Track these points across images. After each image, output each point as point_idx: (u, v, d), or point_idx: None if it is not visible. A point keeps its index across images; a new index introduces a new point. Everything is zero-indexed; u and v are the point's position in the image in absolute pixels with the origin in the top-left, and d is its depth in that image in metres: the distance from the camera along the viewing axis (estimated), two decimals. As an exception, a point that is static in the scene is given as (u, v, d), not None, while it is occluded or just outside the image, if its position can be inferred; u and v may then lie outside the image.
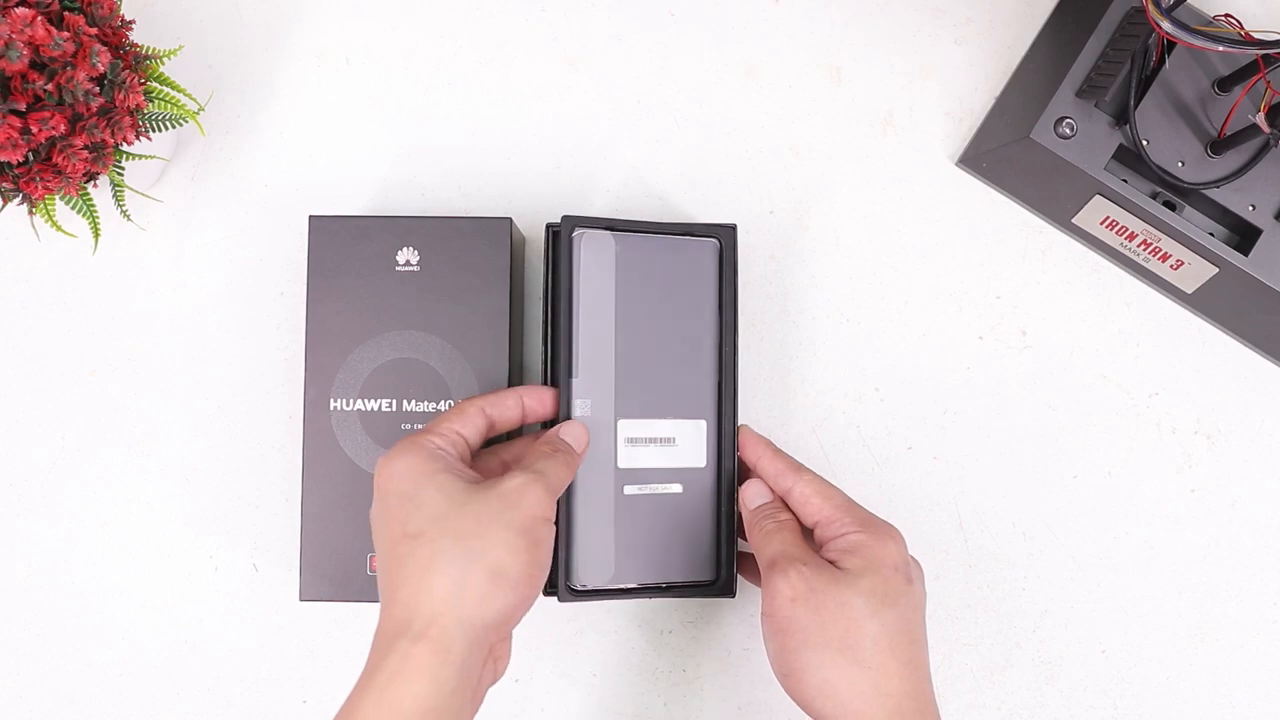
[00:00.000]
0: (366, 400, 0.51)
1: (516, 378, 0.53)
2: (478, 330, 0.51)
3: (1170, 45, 0.52)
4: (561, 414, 0.48)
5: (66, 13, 0.46)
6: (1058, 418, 0.56)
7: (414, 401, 0.51)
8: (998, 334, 0.57)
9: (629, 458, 0.49)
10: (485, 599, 0.40)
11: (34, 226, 0.52)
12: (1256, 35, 0.47)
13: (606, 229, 0.50)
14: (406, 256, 0.52)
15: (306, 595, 0.51)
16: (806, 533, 0.48)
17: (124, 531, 0.56)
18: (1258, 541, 0.56)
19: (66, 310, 0.57)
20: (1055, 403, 0.56)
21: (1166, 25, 0.46)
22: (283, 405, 0.56)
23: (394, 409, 0.51)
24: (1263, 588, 0.56)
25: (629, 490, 0.49)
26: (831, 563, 0.45)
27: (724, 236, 0.51)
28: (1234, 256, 0.52)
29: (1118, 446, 0.56)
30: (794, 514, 0.49)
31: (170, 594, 0.56)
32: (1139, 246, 0.55)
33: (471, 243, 0.52)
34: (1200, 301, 0.56)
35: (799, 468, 0.49)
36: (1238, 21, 0.52)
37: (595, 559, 0.49)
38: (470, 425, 0.46)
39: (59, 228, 0.50)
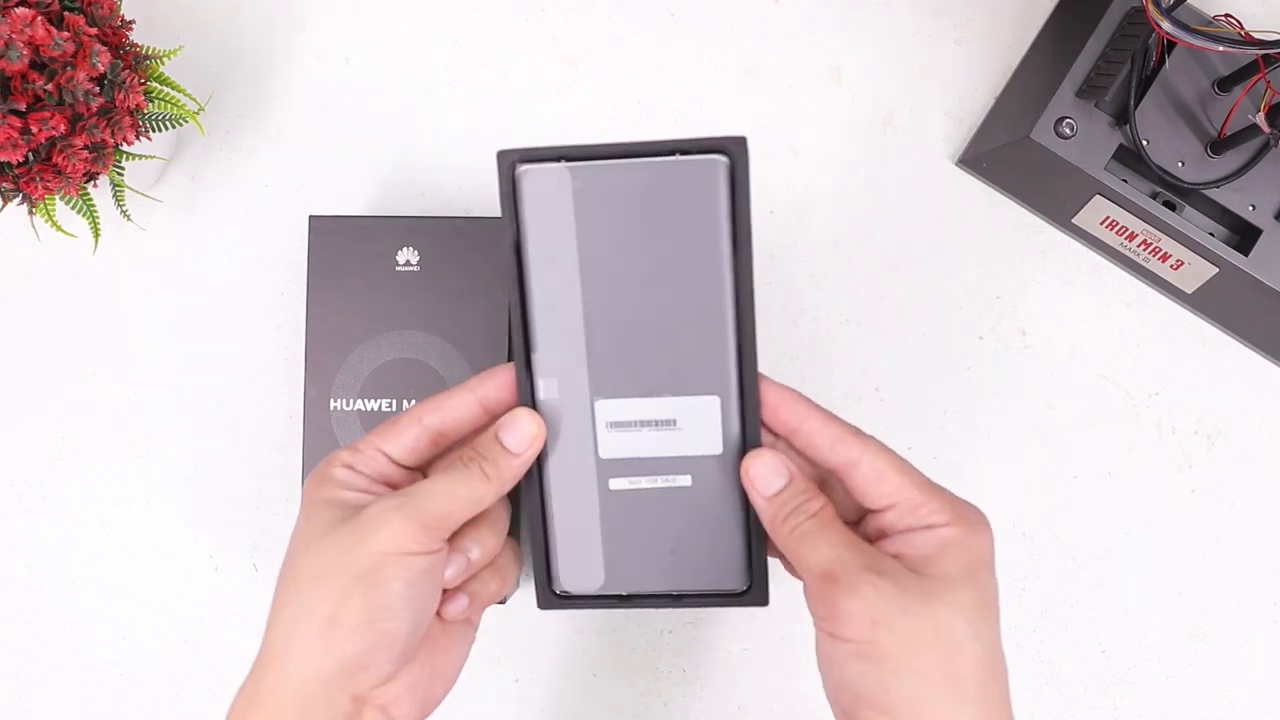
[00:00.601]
0: (366, 400, 0.51)
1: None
2: (478, 330, 0.51)
3: (1170, 45, 0.52)
4: (521, 401, 0.40)
5: (66, 13, 0.46)
6: (1058, 418, 0.56)
7: (414, 401, 0.51)
8: (998, 334, 0.57)
9: (614, 446, 0.40)
10: (317, 651, 0.36)
11: (34, 226, 0.52)
12: (1256, 35, 0.47)
13: (561, 160, 0.38)
14: (406, 256, 0.52)
15: (306, 595, 0.51)
16: (844, 511, 0.39)
17: (124, 531, 0.56)
18: (1258, 541, 0.56)
19: (66, 310, 0.57)
20: (1055, 403, 0.56)
21: (1166, 25, 0.46)
22: (283, 405, 0.56)
23: (394, 409, 0.51)
24: (1263, 588, 0.56)
25: (616, 485, 0.41)
26: (898, 558, 0.37)
27: (733, 150, 0.38)
28: (1234, 256, 0.52)
29: (1118, 446, 0.56)
30: (845, 494, 0.39)
31: (170, 594, 0.56)
32: (1139, 246, 0.55)
33: (471, 243, 0.52)
34: (1200, 301, 0.56)
35: (861, 434, 0.38)
36: (1238, 21, 0.52)
37: (579, 563, 0.41)
38: (397, 441, 0.40)
39: (59, 228, 0.50)
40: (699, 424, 0.40)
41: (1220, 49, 0.45)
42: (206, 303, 0.57)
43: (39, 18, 0.44)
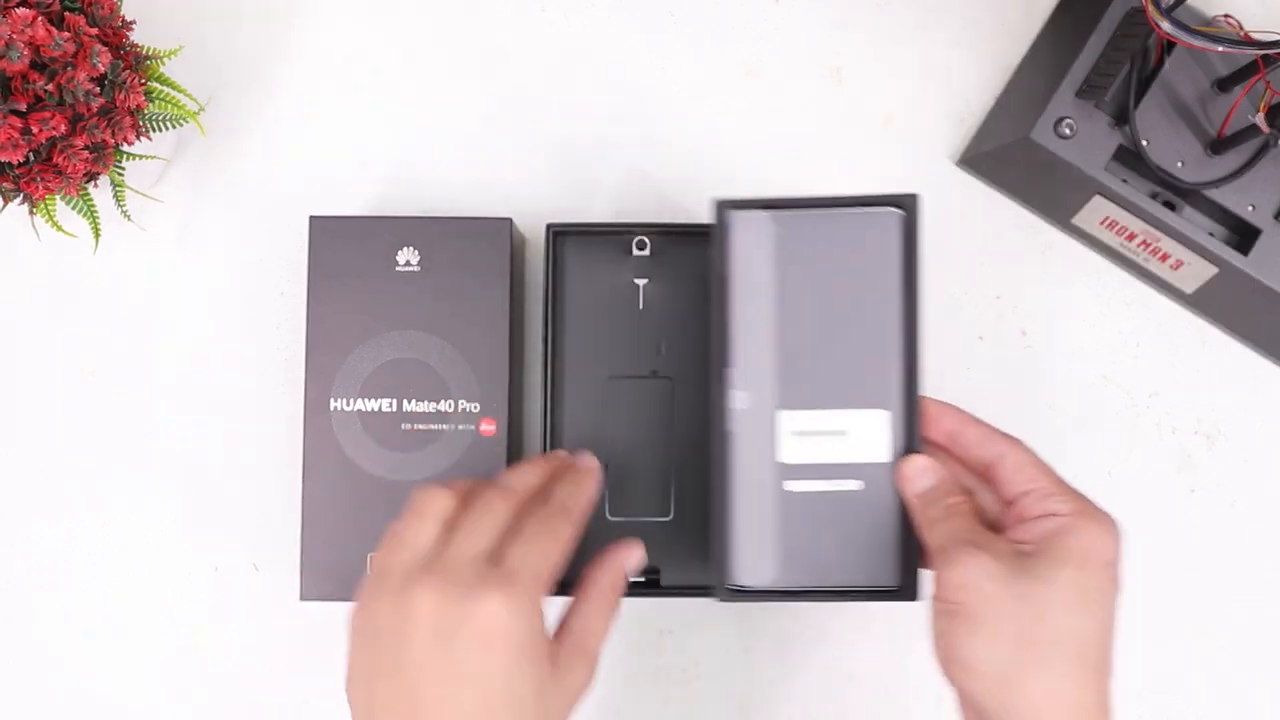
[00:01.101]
0: (366, 400, 0.51)
1: (517, 377, 0.53)
2: (478, 330, 0.51)
3: (1170, 45, 0.52)
4: (717, 403, 0.46)
5: (67, 13, 0.46)
6: (1058, 418, 0.56)
7: (414, 401, 0.51)
8: (998, 334, 0.57)
9: (793, 452, 0.46)
10: None
11: (34, 226, 0.52)
12: (1256, 35, 0.47)
13: (764, 208, 0.46)
14: (406, 256, 0.52)
15: (306, 595, 0.51)
16: (991, 515, 0.44)
17: (124, 531, 0.56)
18: (1258, 541, 0.56)
19: (66, 310, 0.57)
20: (1055, 403, 0.56)
21: (1166, 25, 0.46)
22: (283, 405, 0.56)
23: (394, 409, 0.51)
24: (1263, 588, 0.56)
25: (792, 486, 0.46)
26: (1020, 545, 0.40)
27: (907, 205, 0.46)
28: (1234, 256, 0.52)
29: (1118, 446, 0.56)
30: (993, 491, 0.43)
31: (170, 594, 0.56)
32: (1139, 246, 0.55)
33: (471, 243, 0.52)
34: (1200, 301, 0.56)
35: (1009, 435, 0.43)
36: (1237, 22, 0.52)
37: (755, 558, 0.46)
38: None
39: (59, 228, 0.50)
40: (870, 435, 0.45)
41: (1220, 49, 0.46)
42: (207, 303, 0.57)
43: (39, 18, 0.44)
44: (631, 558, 0.46)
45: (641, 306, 0.53)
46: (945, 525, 0.41)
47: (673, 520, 0.52)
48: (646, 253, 0.53)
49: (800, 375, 0.46)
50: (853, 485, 0.46)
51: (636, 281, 0.53)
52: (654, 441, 0.52)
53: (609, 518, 0.52)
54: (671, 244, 0.53)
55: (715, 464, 0.46)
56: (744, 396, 0.46)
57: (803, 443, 0.46)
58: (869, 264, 0.46)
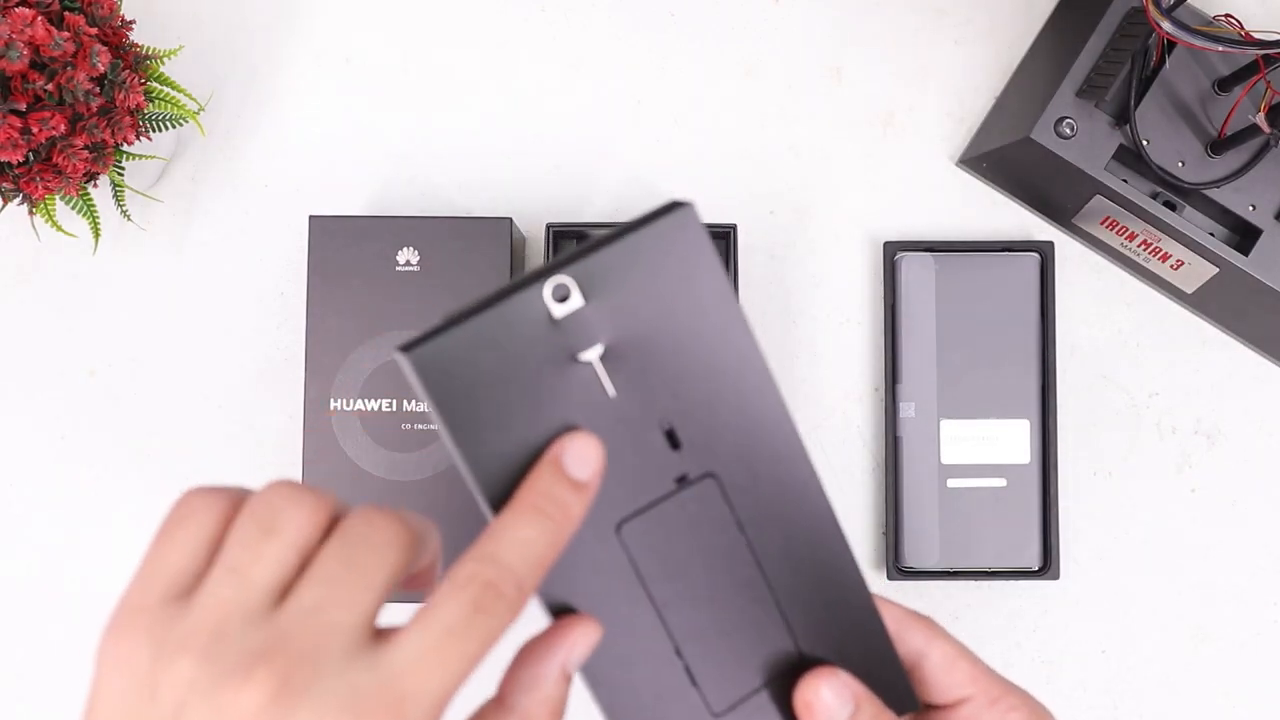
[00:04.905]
0: (366, 400, 0.51)
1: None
2: (478, 330, 0.51)
3: (1170, 45, 0.52)
4: (889, 413, 0.54)
5: (67, 13, 0.46)
6: (1058, 418, 0.56)
7: (414, 401, 0.51)
8: (998, 334, 0.57)
9: (952, 454, 0.54)
10: None
11: (34, 226, 0.52)
12: (1256, 35, 0.47)
13: (926, 250, 0.55)
14: (406, 256, 0.52)
15: (306, 595, 0.51)
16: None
17: (124, 531, 0.56)
18: (1258, 541, 0.56)
19: (66, 310, 0.57)
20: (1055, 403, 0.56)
21: (1166, 25, 0.46)
22: (283, 405, 0.56)
23: (394, 409, 0.51)
24: (1263, 588, 0.56)
25: (952, 484, 0.54)
26: None
27: (1044, 250, 0.55)
28: (1234, 256, 0.52)
29: (1118, 446, 0.56)
30: (923, 685, 0.33)
31: (170, 594, 0.56)
32: (1139, 246, 0.55)
33: (471, 243, 0.52)
34: (1200, 301, 0.56)
35: (921, 618, 0.33)
36: (1238, 21, 0.52)
37: (922, 544, 0.54)
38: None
39: (59, 228, 0.51)
40: (1013, 440, 0.54)
41: (1220, 49, 0.46)
42: (206, 302, 0.57)
43: (39, 18, 0.44)
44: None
45: None
46: None
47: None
48: None
49: (957, 389, 0.54)
50: (999, 483, 0.54)
51: None
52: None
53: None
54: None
55: (887, 464, 0.54)
56: (911, 407, 0.54)
57: (959, 447, 0.54)
58: (1012, 298, 0.55)
